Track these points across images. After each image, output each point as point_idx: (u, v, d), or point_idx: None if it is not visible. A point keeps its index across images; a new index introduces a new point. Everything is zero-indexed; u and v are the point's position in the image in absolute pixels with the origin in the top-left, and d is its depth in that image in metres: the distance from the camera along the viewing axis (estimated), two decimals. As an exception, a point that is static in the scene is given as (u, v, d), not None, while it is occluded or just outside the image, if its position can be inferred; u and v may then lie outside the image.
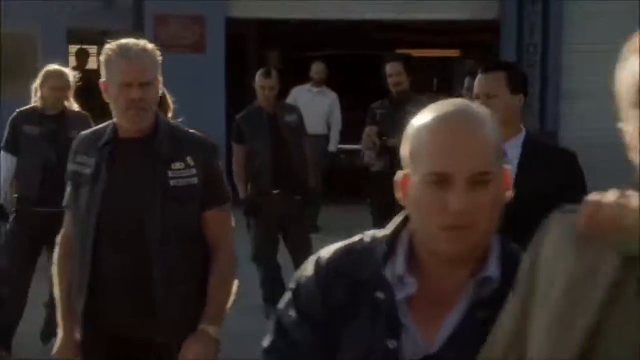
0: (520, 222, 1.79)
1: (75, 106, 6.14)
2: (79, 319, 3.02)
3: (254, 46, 13.98)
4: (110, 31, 12.81)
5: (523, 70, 4.42)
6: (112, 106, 3.01)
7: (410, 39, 15.28)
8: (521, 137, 3.39)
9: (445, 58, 15.63)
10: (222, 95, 10.62)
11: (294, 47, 14.51)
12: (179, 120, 5.64)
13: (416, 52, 14.99)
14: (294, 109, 6.89)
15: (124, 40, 2.99)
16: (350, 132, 10.00)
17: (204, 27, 10.57)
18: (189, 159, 2.98)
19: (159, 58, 3.01)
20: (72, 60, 12.77)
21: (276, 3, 10.77)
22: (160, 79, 3.03)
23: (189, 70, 10.45)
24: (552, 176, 3.19)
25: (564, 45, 10.31)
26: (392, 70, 6.64)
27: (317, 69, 9.89)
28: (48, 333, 6.00)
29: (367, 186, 7.17)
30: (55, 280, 3.15)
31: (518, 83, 3.47)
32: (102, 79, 3.02)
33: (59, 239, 3.18)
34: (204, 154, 3.03)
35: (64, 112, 5.97)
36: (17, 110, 5.94)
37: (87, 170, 3.01)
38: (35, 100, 5.97)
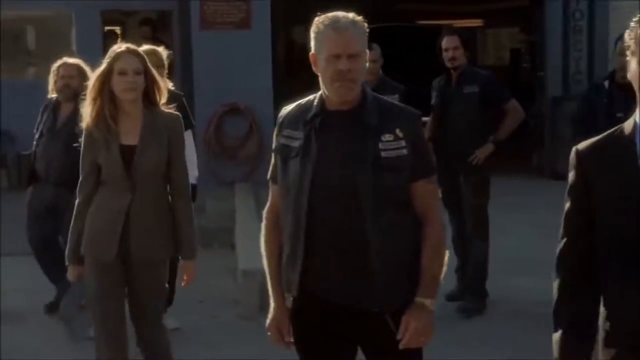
0: None
1: (169, 85, 6.18)
2: (291, 288, 3.10)
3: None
4: (143, 11, 12.96)
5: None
6: (320, 78, 3.07)
7: (432, 9, 15.32)
8: None
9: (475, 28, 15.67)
10: (269, 70, 10.62)
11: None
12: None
13: (440, 23, 15.15)
14: (397, 88, 6.78)
15: (333, 13, 3.04)
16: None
17: (249, 3, 10.54)
18: (397, 131, 3.02)
19: (367, 30, 3.06)
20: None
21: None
22: (367, 51, 3.08)
23: (235, 47, 10.48)
24: None
25: (611, 10, 10.36)
26: (449, 44, 6.23)
27: None
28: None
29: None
30: (264, 251, 3.22)
31: None
32: (311, 52, 3.07)
33: (264, 211, 3.24)
34: (411, 125, 3.07)
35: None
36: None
37: (296, 143, 3.06)
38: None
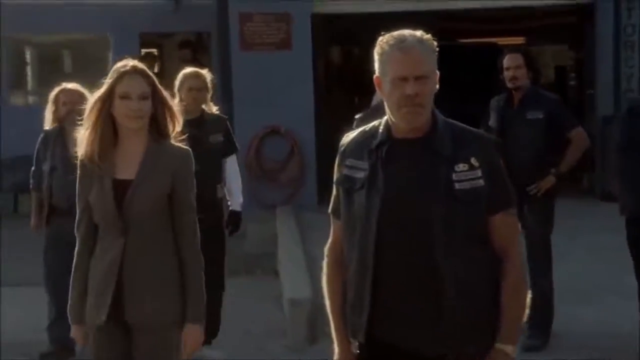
0: None
1: (214, 108, 5.98)
2: (357, 334, 2.84)
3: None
4: (180, 33, 12.86)
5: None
6: (385, 103, 2.82)
7: (475, 27, 15.06)
8: None
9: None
10: (310, 91, 10.43)
11: (356, 42, 14.36)
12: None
13: (482, 41, 14.90)
14: None
15: (398, 31, 2.78)
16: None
17: (289, 24, 10.37)
18: (473, 160, 2.76)
19: (436, 48, 2.80)
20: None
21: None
22: (438, 72, 2.82)
23: (276, 68, 10.31)
24: None
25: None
26: (510, 63, 5.86)
27: None
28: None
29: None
30: (326, 292, 2.97)
31: None
32: (375, 75, 2.82)
33: (326, 248, 2.99)
34: (487, 152, 2.81)
35: (203, 116, 5.80)
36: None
37: (361, 174, 2.82)
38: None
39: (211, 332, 5.89)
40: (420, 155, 2.77)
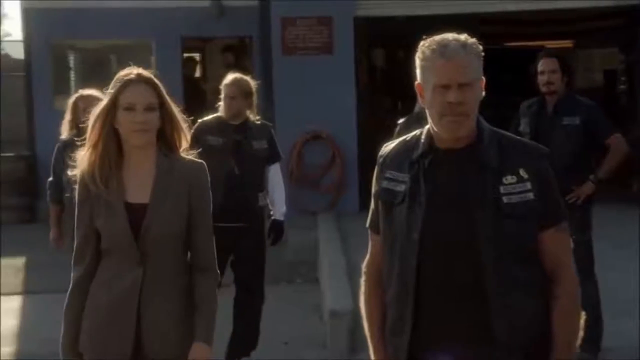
0: None
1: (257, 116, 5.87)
2: (398, 357, 2.69)
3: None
4: (223, 37, 12.82)
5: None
6: (427, 112, 2.67)
7: (520, 31, 14.80)
8: None
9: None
10: (352, 96, 10.29)
11: (399, 45, 14.18)
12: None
13: (530, 45, 14.63)
14: None
15: (441, 35, 2.63)
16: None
17: (331, 27, 10.24)
18: (522, 171, 2.60)
19: (481, 53, 2.64)
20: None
21: (404, 1, 10.46)
22: (483, 79, 2.66)
23: (318, 72, 10.19)
24: None
25: None
26: (545, 67, 5.68)
27: None
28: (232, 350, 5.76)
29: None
30: (364, 312, 2.82)
31: None
32: (417, 82, 2.67)
33: (363, 265, 2.85)
34: (538, 163, 2.64)
35: (247, 122, 5.71)
36: (200, 120, 5.69)
37: (401, 187, 2.67)
38: (217, 110, 5.74)
39: (250, 344, 5.79)
40: (464, 167, 2.62)
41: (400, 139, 2.81)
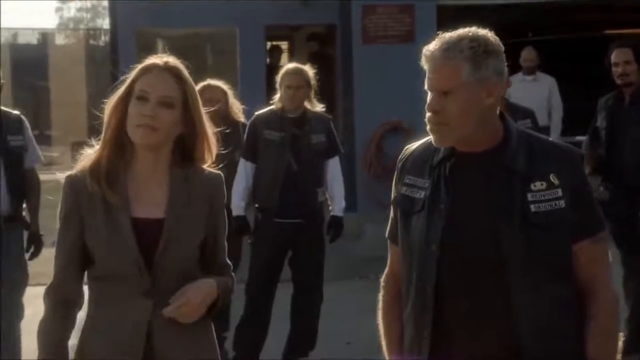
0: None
1: (318, 107, 5.66)
2: None
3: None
4: (308, 25, 12.67)
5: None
6: None
7: (618, 18, 14.20)
8: None
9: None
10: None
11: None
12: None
13: (627, 33, 13.97)
14: (528, 112, 5.73)
15: (444, 35, 2.40)
16: (568, 123, 9.21)
17: (413, 16, 9.96)
18: (552, 177, 2.34)
19: (476, 53, 2.33)
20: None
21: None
22: (494, 81, 2.37)
23: (399, 61, 9.92)
24: None
25: None
26: (619, 58, 5.47)
27: (527, 55, 9.16)
28: (290, 350, 5.63)
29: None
30: (382, 329, 2.61)
31: None
32: None
33: (382, 279, 2.63)
34: (571, 168, 2.38)
35: (305, 114, 5.52)
36: (256, 113, 5.54)
37: (421, 194, 2.44)
38: (273, 102, 5.57)
39: (308, 344, 5.63)
40: (489, 171, 2.37)
41: (424, 140, 2.58)
